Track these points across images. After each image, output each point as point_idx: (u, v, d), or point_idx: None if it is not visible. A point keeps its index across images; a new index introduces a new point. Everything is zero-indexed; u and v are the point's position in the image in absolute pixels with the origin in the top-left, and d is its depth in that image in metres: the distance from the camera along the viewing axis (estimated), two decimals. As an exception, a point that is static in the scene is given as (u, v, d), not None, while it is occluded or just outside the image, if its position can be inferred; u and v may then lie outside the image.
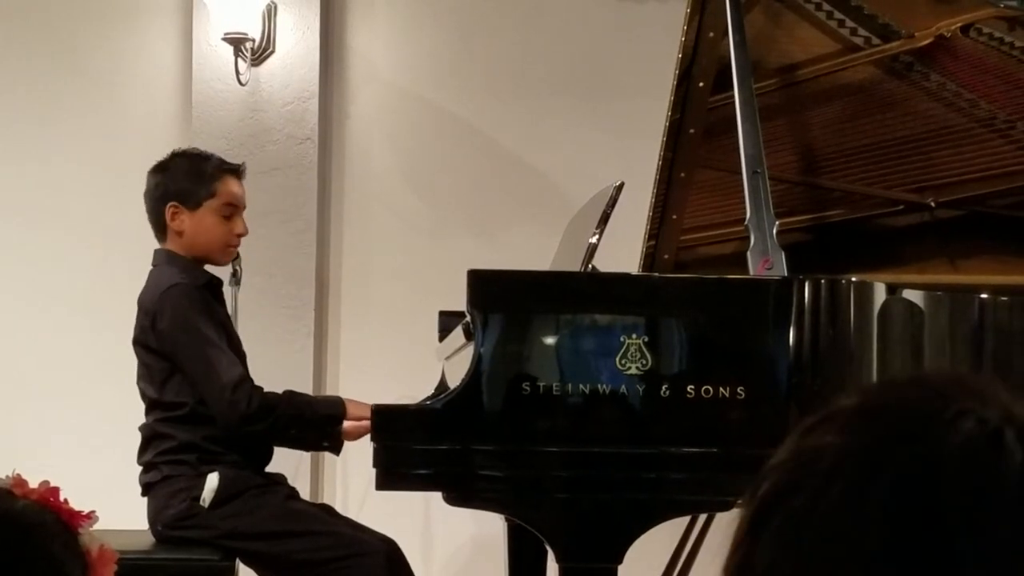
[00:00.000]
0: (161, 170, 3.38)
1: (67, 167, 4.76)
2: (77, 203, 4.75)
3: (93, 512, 1.29)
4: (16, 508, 1.24)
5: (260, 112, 4.64)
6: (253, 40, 4.58)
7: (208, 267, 3.41)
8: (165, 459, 3.24)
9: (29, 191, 4.75)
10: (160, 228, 3.38)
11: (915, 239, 3.43)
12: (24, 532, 1.22)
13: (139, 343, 3.30)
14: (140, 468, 3.32)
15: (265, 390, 3.23)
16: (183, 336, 3.20)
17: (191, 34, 4.66)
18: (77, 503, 1.31)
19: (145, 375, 3.31)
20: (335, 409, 3.24)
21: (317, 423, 3.26)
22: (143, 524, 3.31)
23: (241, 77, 4.59)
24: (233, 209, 3.36)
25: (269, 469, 3.37)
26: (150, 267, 3.50)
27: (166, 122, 4.77)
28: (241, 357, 3.35)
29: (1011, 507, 0.66)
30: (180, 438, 3.23)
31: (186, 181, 3.33)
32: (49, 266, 4.73)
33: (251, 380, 3.21)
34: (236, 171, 3.39)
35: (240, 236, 3.38)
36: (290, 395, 3.30)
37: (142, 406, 3.40)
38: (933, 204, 3.40)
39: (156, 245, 4.62)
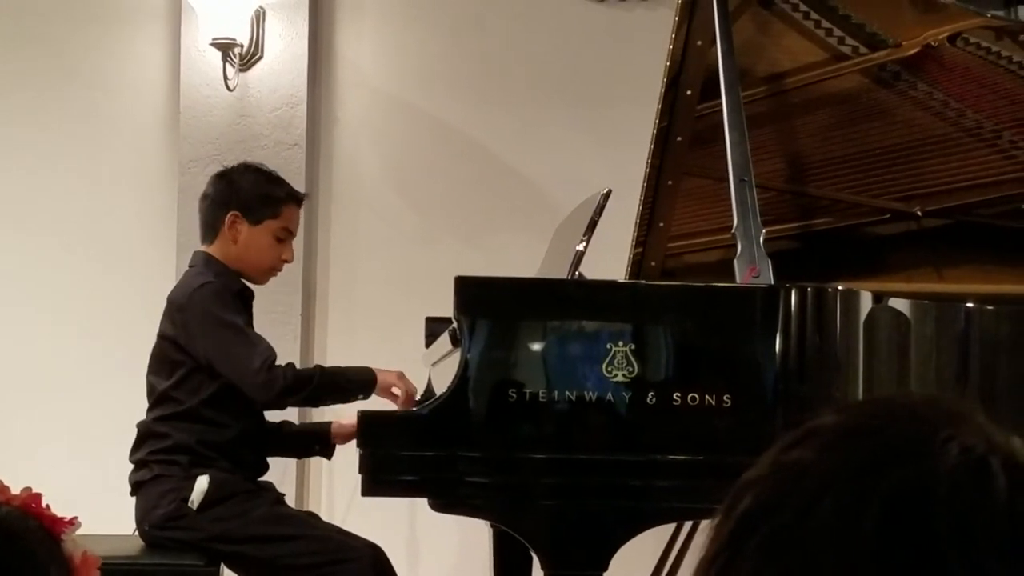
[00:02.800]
0: (231, 178, 3.40)
1: (56, 171, 4.75)
2: (65, 207, 4.74)
3: (75, 518, 1.29)
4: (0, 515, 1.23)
5: (248, 117, 4.63)
6: (241, 45, 4.58)
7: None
8: (157, 458, 3.26)
9: (16, 194, 4.74)
10: (211, 230, 3.39)
11: (902, 248, 3.44)
12: (8, 539, 1.22)
13: (166, 338, 3.31)
14: (130, 467, 3.33)
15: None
16: (211, 327, 3.23)
17: (179, 39, 4.66)
18: (62, 506, 1.31)
19: (158, 369, 3.32)
20: (366, 376, 3.29)
21: (351, 390, 3.31)
22: (126, 528, 3.30)
23: (229, 82, 4.58)
24: (288, 234, 3.41)
25: (255, 476, 3.38)
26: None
27: (154, 127, 4.76)
28: None
29: (999, 534, 0.67)
30: (175, 438, 3.24)
31: (256, 196, 3.36)
32: (37, 269, 4.72)
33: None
34: (301, 202, 3.46)
35: (285, 262, 3.42)
36: (320, 368, 3.36)
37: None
38: (920, 213, 3.41)
39: (146, 250, 4.65)
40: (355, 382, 3.29)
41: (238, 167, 3.44)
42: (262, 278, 3.44)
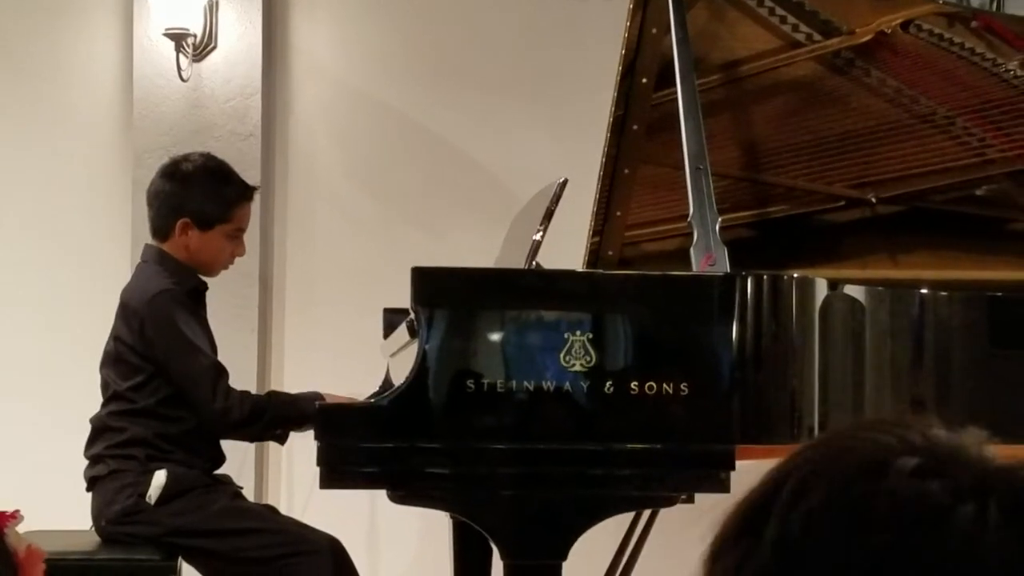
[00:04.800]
0: (180, 180, 3.33)
1: (6, 164, 4.69)
2: (17, 200, 4.69)
3: (18, 511, 1.27)
4: None
5: (202, 108, 4.60)
6: (195, 36, 4.54)
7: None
8: (113, 453, 3.24)
9: (-33, 188, 4.69)
10: (162, 232, 3.35)
11: (856, 235, 3.45)
12: None
13: (121, 340, 3.27)
14: (85, 462, 3.30)
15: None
16: (173, 346, 3.21)
17: (131, 30, 4.62)
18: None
19: (114, 368, 3.29)
20: (315, 406, 3.25)
21: (300, 421, 3.29)
22: (82, 523, 3.28)
23: (183, 73, 4.55)
24: (239, 232, 3.38)
25: (213, 470, 3.36)
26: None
27: (107, 118, 4.72)
28: None
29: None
30: (131, 432, 3.22)
31: (206, 202, 3.31)
32: (-12, 264, 4.67)
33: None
34: (252, 196, 3.41)
35: (238, 256, 3.41)
36: (272, 396, 3.35)
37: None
38: (874, 200, 3.43)
39: (100, 242, 4.61)
40: (306, 413, 3.21)
41: (186, 165, 3.36)
42: (215, 273, 3.44)
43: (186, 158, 3.40)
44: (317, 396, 3.27)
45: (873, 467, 0.69)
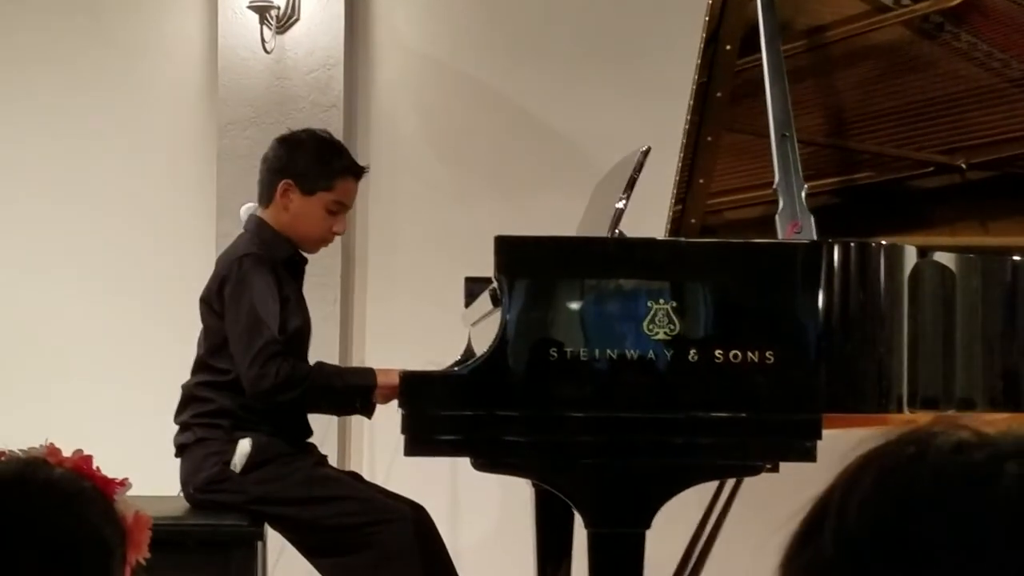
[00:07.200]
0: (291, 145, 3.37)
1: (95, 137, 4.76)
2: (105, 173, 4.76)
3: (126, 479, 1.30)
4: (55, 476, 1.24)
5: (285, 80, 4.63)
6: (278, 8, 4.57)
7: None
8: (200, 421, 3.28)
9: (57, 163, 4.76)
10: (266, 196, 3.38)
11: (946, 201, 3.40)
12: (65, 500, 1.23)
13: (204, 302, 3.33)
14: (176, 428, 3.35)
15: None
16: (234, 305, 3.21)
17: (216, 2, 4.65)
18: (110, 469, 1.32)
19: (203, 334, 3.33)
20: (366, 379, 3.24)
21: (347, 394, 3.27)
22: (172, 488, 3.33)
23: (267, 45, 4.58)
24: (341, 207, 3.38)
25: (296, 436, 3.39)
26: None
27: (192, 91, 4.77)
28: (306, 335, 3.37)
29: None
30: (218, 402, 3.26)
31: (311, 166, 3.33)
32: (79, 235, 4.75)
33: (284, 354, 3.18)
34: (360, 175, 3.41)
35: (337, 234, 3.41)
36: (320, 366, 3.30)
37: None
38: (964, 166, 3.37)
39: (186, 214, 4.67)
40: (353, 386, 3.22)
41: (301, 133, 3.41)
42: (311, 248, 3.43)
43: (304, 129, 3.44)
44: (369, 371, 3.27)
45: (915, 450, 0.71)
